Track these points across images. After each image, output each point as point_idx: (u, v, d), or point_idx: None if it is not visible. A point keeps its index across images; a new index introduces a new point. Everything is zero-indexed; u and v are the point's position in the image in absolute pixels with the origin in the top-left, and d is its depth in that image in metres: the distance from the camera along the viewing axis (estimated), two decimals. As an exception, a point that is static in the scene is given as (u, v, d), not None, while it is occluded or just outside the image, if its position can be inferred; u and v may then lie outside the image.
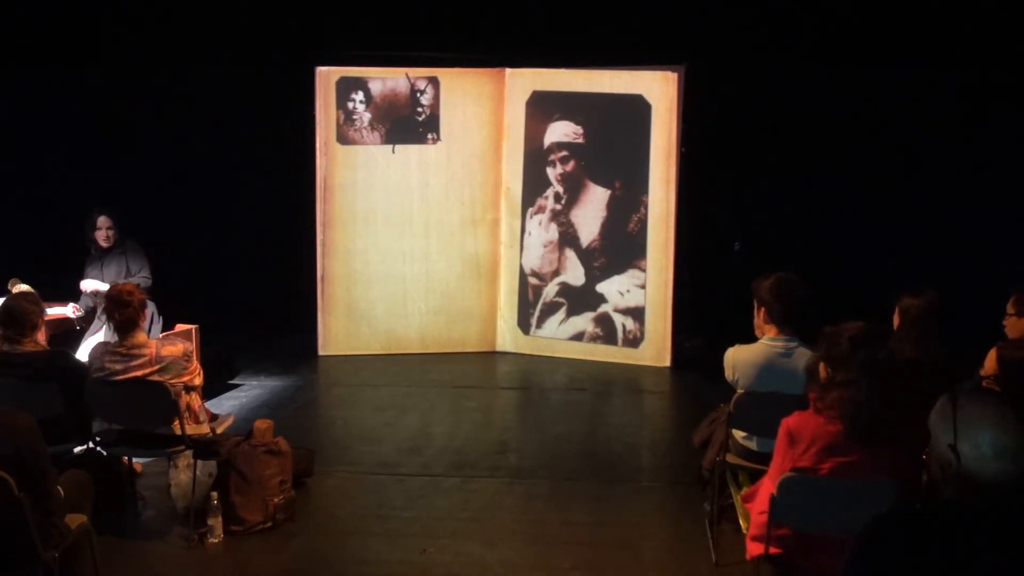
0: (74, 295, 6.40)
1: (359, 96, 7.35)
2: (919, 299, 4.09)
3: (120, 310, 4.18)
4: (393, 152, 7.42)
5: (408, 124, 7.40)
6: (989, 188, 7.12)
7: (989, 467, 1.81)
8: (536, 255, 7.51)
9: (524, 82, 7.36)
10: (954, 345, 4.00)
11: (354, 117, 7.37)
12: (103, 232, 6.18)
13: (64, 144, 7.89)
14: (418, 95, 7.36)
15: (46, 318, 4.45)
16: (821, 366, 3.10)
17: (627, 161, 7.21)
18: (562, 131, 7.33)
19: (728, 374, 3.95)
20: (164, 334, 5.71)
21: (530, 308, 7.56)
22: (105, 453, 4.30)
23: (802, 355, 3.76)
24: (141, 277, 6.15)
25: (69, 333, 6.15)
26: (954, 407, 1.86)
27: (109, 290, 4.34)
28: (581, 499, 4.69)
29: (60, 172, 7.89)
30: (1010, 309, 4.08)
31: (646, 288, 7.24)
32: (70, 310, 6.24)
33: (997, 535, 1.77)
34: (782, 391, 3.70)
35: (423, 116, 7.39)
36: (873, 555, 1.82)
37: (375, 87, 7.35)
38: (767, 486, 3.10)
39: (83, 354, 5.08)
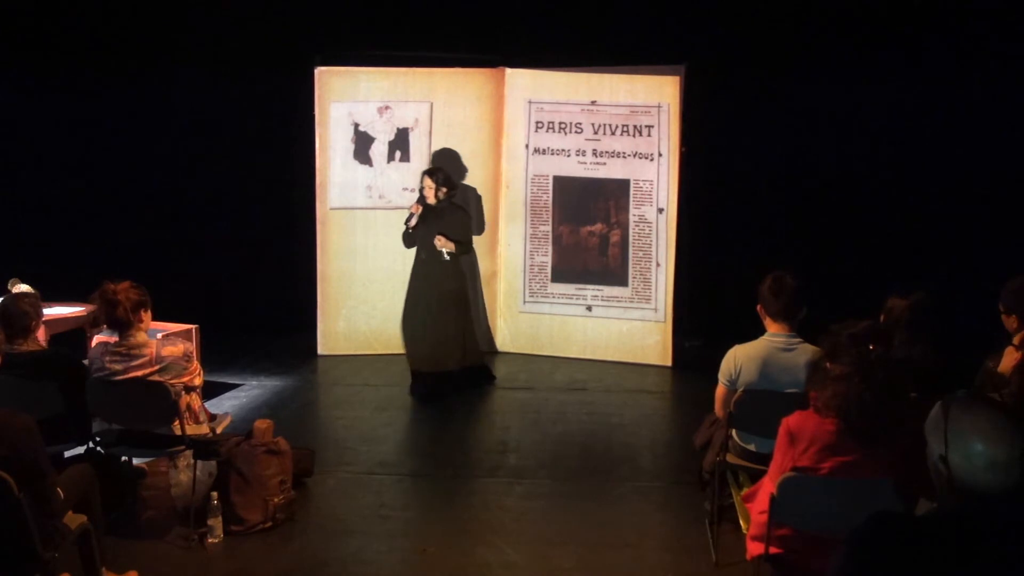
0: (73, 295, 6.39)
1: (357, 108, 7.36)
2: (905, 300, 4.09)
3: (111, 310, 4.14)
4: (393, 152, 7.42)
5: (408, 126, 7.40)
6: (989, 188, 7.12)
7: (979, 478, 1.81)
8: (536, 255, 7.50)
9: (524, 82, 7.36)
10: (954, 346, 4.00)
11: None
12: None
13: (65, 144, 7.88)
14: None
15: (48, 318, 4.44)
16: (827, 364, 3.12)
17: (627, 161, 7.21)
18: (562, 131, 7.33)
19: (730, 369, 3.92)
20: (164, 334, 5.71)
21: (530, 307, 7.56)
22: (105, 453, 4.30)
23: (804, 350, 3.78)
24: None
25: (72, 333, 6.14)
26: (946, 418, 1.86)
27: (101, 291, 4.29)
28: (581, 499, 4.69)
29: (60, 172, 7.88)
30: (1001, 307, 4.09)
31: (646, 288, 7.24)
32: None
33: (984, 544, 1.77)
34: (783, 384, 3.74)
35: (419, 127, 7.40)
36: (861, 559, 1.82)
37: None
38: (767, 486, 3.10)
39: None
